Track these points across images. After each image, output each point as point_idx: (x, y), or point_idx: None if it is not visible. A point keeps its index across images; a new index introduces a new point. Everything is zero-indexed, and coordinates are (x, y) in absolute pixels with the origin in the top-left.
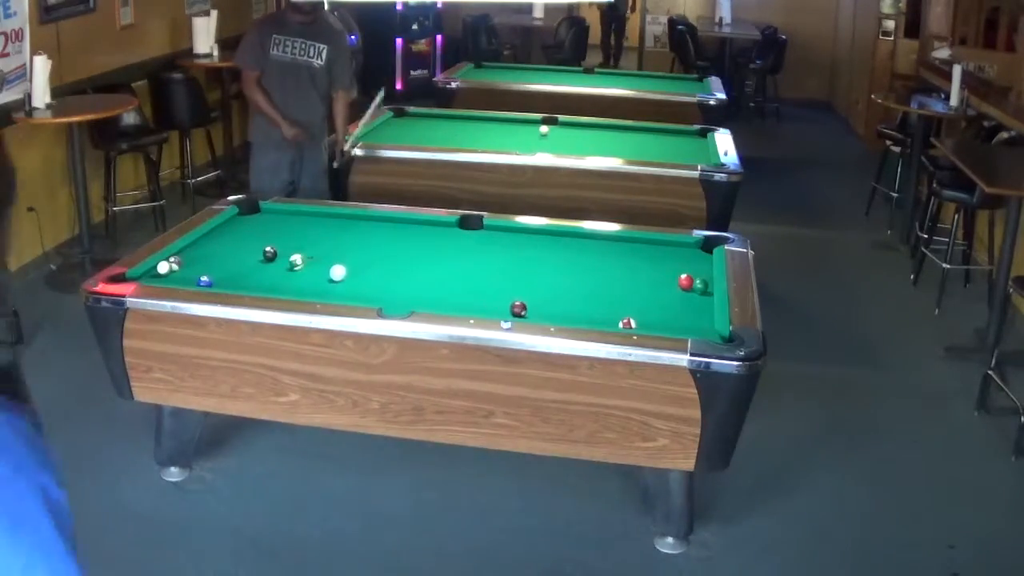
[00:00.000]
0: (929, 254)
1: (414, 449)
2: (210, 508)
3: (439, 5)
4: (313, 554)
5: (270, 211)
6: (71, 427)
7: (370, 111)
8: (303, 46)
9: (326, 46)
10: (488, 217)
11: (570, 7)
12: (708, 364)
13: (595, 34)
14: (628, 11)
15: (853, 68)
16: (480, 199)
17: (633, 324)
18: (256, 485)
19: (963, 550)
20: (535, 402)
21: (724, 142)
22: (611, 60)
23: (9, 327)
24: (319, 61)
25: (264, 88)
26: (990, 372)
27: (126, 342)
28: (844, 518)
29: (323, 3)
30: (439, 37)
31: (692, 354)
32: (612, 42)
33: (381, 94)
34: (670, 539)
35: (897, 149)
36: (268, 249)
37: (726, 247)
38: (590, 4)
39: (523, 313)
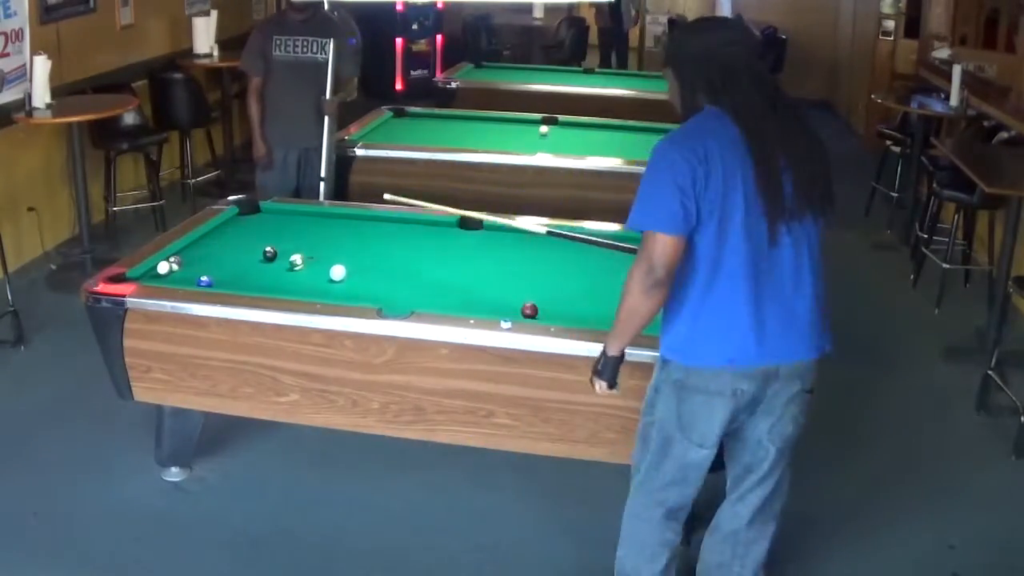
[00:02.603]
0: (929, 254)
1: (414, 449)
2: (210, 508)
3: (439, 5)
4: (313, 554)
5: (270, 211)
6: (71, 427)
7: None
8: (305, 43)
9: (329, 40)
10: (488, 217)
11: (570, 7)
12: None
13: (595, 34)
14: (633, 24)
15: (853, 68)
16: (480, 199)
17: None
18: (256, 485)
19: (963, 550)
20: (535, 402)
21: None
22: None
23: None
24: (323, 55)
25: (262, 98)
26: (990, 372)
27: (126, 342)
28: (843, 518)
29: (323, 3)
30: (439, 37)
31: None
32: (614, 63)
33: None
34: None
35: (897, 149)
36: (268, 249)
37: None
38: (590, 5)
39: (534, 315)
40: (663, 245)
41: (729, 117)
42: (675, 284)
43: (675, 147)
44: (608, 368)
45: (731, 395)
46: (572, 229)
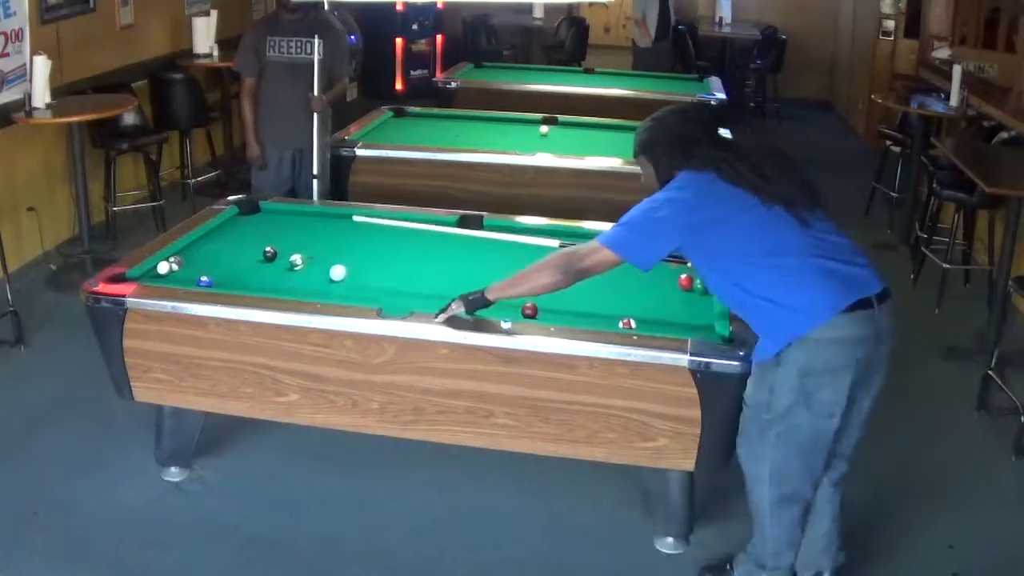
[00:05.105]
0: (929, 254)
1: (414, 449)
2: (210, 508)
3: (439, 5)
4: (313, 554)
5: (270, 211)
6: (71, 427)
7: None
8: (299, 44)
9: (322, 41)
10: (488, 217)
11: (570, 7)
12: (708, 364)
13: (595, 34)
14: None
15: (853, 68)
16: (480, 199)
17: (633, 324)
18: (256, 485)
19: (963, 550)
20: (535, 402)
21: None
22: None
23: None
24: (317, 56)
25: (255, 97)
26: (990, 372)
27: (126, 342)
28: (844, 517)
29: (323, 2)
30: (439, 37)
31: (692, 354)
32: None
33: None
34: (670, 539)
35: (897, 149)
36: (268, 249)
37: None
38: (590, 4)
39: (534, 315)
40: (605, 257)
41: (704, 172)
42: (765, 295)
43: (684, 189)
44: (476, 306)
45: (858, 341)
46: (572, 229)
